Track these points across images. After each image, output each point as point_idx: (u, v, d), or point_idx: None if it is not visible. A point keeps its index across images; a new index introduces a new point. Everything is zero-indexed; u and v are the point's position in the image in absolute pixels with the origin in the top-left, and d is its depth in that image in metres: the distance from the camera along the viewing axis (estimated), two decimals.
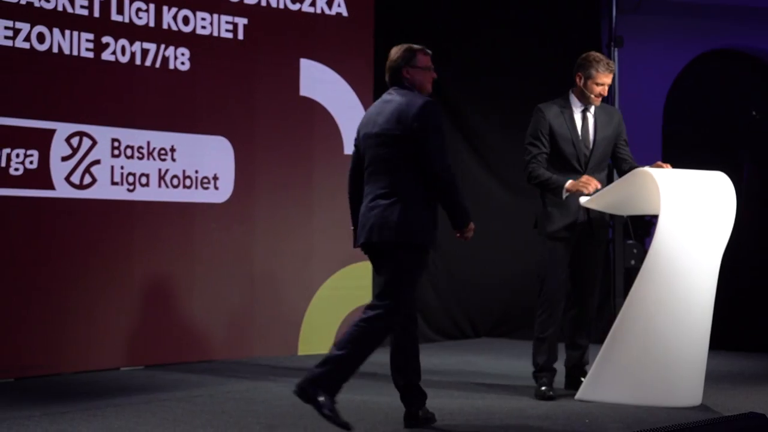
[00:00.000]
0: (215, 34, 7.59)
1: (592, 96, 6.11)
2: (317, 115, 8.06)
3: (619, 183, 5.96)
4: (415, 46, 5.42)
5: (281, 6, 7.88)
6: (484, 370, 7.37)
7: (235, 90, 7.73)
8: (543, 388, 6.08)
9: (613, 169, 6.53)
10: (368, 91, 8.21)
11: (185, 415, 5.50)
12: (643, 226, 7.97)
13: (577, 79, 6.15)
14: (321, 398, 4.92)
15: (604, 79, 6.10)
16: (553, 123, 6.12)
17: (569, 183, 5.95)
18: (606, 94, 6.17)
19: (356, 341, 5.04)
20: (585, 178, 5.93)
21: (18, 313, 6.74)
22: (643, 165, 5.97)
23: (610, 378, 5.84)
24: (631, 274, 7.12)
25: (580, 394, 5.93)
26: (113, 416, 5.45)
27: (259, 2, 7.79)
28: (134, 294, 7.21)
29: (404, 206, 5.11)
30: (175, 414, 5.42)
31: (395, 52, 5.40)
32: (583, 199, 5.97)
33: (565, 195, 5.97)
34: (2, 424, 5.23)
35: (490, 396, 6.18)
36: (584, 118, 6.16)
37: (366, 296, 8.06)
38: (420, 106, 5.13)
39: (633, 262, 7.93)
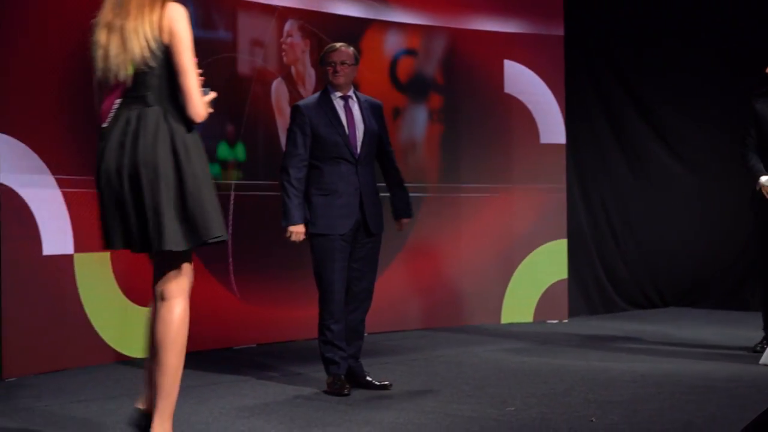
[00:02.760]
0: None
1: None
2: (516, 109, 8.38)
3: None
4: (331, 45, 5.50)
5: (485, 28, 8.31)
6: (673, 337, 7.44)
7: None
8: None
9: None
10: (560, 86, 8.49)
11: (404, 376, 5.78)
12: None
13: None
14: None
15: None
16: (758, 111, 6.45)
17: (764, 178, 6.31)
18: None
19: None
20: None
21: (262, 287, 7.17)
22: None
23: None
24: None
25: (764, 359, 6.04)
26: None
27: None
28: None
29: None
30: (395, 375, 5.67)
31: None
32: (764, 179, 6.28)
33: (758, 187, 6.34)
34: (246, 383, 5.64)
35: (677, 360, 6.32)
36: None
37: (561, 272, 8.42)
38: None
39: None
